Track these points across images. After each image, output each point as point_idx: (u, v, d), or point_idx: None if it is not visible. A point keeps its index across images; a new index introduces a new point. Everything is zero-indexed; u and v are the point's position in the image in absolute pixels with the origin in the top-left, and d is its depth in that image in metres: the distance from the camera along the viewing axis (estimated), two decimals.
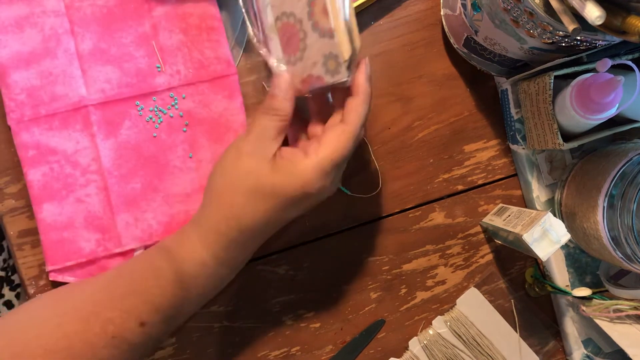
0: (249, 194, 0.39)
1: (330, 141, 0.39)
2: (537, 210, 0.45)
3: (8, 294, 0.59)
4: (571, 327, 0.53)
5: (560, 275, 0.52)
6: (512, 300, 0.54)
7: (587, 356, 0.53)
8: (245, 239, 0.40)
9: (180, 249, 0.41)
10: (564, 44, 0.39)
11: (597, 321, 0.49)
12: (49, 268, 0.46)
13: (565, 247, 0.52)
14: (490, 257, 0.54)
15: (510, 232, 0.46)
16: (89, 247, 0.46)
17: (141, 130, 0.47)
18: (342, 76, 0.39)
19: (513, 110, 0.50)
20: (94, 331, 0.37)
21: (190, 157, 0.48)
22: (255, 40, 0.42)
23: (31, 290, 0.47)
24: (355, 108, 0.39)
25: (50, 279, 0.46)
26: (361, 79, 0.39)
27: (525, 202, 0.54)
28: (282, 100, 0.39)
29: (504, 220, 0.49)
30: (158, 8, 0.47)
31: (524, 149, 0.51)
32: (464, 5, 0.45)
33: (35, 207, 0.46)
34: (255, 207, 0.39)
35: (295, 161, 0.39)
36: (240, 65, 0.50)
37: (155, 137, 0.48)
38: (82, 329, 0.38)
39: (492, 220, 0.51)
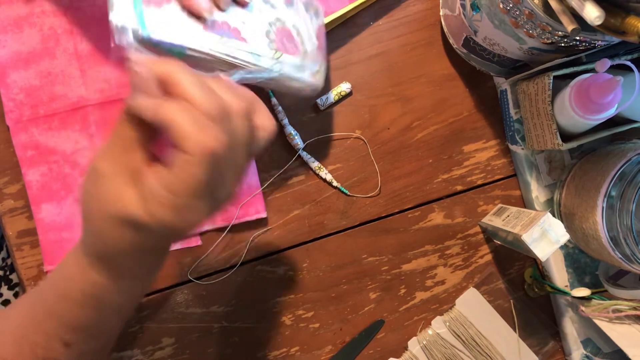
0: (105, 219, 0.32)
1: (176, 165, 0.28)
2: (536, 210, 0.45)
3: (6, 293, 0.59)
4: (570, 328, 0.53)
5: (560, 276, 0.52)
6: (512, 301, 0.54)
7: (587, 356, 0.53)
8: (117, 259, 0.34)
9: (71, 266, 0.36)
10: (563, 44, 0.39)
11: (596, 321, 0.49)
12: (47, 268, 0.46)
13: (564, 247, 0.52)
14: (489, 257, 0.54)
15: (510, 232, 0.46)
16: None
17: None
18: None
19: (512, 111, 0.51)
20: (25, 354, 0.36)
21: None
22: None
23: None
24: (183, 132, 0.28)
25: None
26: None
27: (524, 202, 0.54)
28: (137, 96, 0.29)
29: (503, 220, 0.49)
30: None
31: (523, 149, 0.51)
32: (463, 6, 0.45)
33: (34, 207, 0.46)
34: (111, 233, 0.32)
35: (147, 182, 0.29)
36: None
37: None
38: (17, 352, 0.37)
39: (492, 220, 0.51)
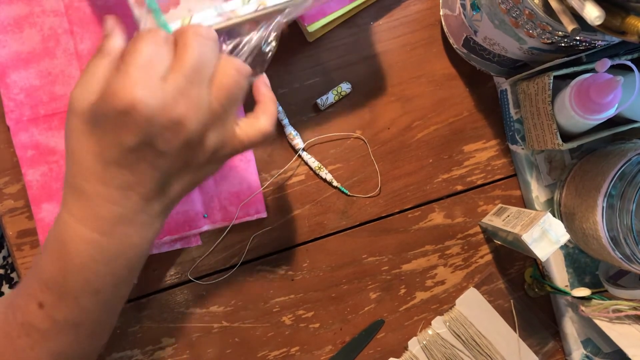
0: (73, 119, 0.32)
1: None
2: (537, 210, 0.45)
3: (7, 291, 0.59)
4: (570, 328, 0.53)
5: (560, 276, 0.52)
6: (512, 301, 0.54)
7: (587, 356, 0.53)
8: (84, 183, 0.33)
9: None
10: (563, 44, 0.39)
11: (596, 321, 0.49)
12: None
13: (564, 247, 0.52)
14: (489, 257, 0.54)
15: (510, 232, 0.46)
16: None
17: None
18: None
19: (512, 111, 0.50)
20: (9, 320, 0.36)
21: None
22: None
23: None
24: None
25: None
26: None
27: (524, 202, 0.54)
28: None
29: (503, 220, 0.49)
30: None
31: (523, 149, 0.51)
32: (463, 6, 0.45)
33: (34, 207, 0.46)
34: (79, 136, 0.32)
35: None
36: None
37: None
38: (3, 320, 0.37)
39: (492, 220, 0.51)
